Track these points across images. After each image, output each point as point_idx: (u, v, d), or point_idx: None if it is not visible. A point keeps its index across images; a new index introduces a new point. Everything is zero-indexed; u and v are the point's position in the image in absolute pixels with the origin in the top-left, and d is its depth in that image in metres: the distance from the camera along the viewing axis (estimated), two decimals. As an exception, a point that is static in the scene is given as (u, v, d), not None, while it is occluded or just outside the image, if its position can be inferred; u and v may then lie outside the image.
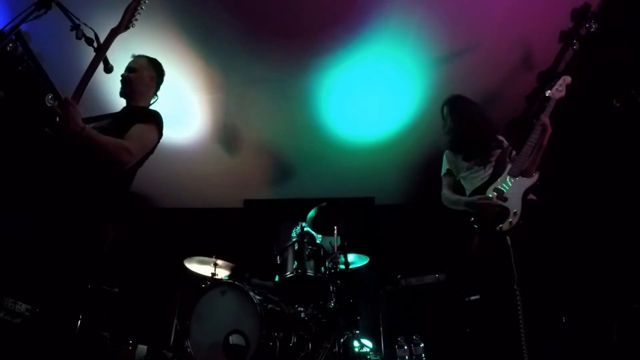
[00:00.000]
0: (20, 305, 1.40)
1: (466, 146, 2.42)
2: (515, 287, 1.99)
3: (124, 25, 1.90)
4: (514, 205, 2.07)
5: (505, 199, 2.09)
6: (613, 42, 2.76)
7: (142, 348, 3.05)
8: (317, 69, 3.42)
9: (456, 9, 2.95)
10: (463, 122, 2.43)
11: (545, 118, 2.17)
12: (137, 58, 2.12)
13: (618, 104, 2.56)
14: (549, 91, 2.31)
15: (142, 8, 1.96)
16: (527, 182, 2.12)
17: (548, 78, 3.27)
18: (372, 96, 3.69)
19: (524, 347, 1.91)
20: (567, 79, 2.34)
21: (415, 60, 3.35)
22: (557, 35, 2.97)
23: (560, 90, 2.29)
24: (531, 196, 2.16)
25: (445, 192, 2.47)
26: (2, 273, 1.44)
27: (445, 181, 2.52)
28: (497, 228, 2.06)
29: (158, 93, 2.19)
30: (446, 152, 2.57)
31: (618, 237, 2.57)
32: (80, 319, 2.33)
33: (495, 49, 3.21)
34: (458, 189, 2.48)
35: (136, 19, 1.95)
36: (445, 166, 2.55)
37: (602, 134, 2.88)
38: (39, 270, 1.50)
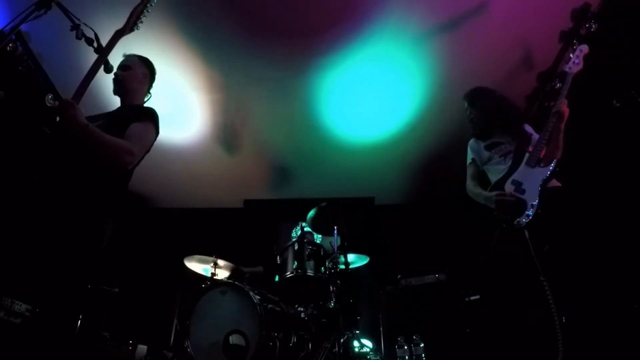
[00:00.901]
0: (20, 305, 1.40)
1: (490, 131, 2.42)
2: (541, 277, 1.97)
3: (129, 27, 1.93)
4: (532, 197, 2.06)
5: (523, 191, 2.08)
6: (613, 42, 2.76)
7: (142, 348, 3.05)
8: (317, 69, 3.42)
9: (456, 9, 2.95)
10: (487, 108, 2.44)
11: (561, 104, 2.12)
12: (129, 56, 2.14)
13: (618, 104, 2.56)
14: (567, 65, 2.23)
15: (147, 11, 1.98)
16: (544, 171, 2.10)
17: (548, 78, 3.27)
18: (372, 96, 3.69)
19: (559, 337, 1.88)
20: (584, 48, 2.24)
21: (414, 60, 3.35)
22: (557, 35, 2.96)
23: (578, 63, 2.20)
24: (555, 183, 2.15)
25: (469, 183, 2.46)
26: (2, 273, 1.44)
27: (469, 171, 2.51)
28: (515, 222, 2.05)
29: (157, 92, 2.21)
30: (470, 141, 2.57)
31: (616, 238, 2.57)
32: (80, 319, 2.34)
33: (495, 49, 3.21)
34: (484, 178, 2.47)
35: (141, 22, 1.98)
36: (469, 155, 2.54)
37: (602, 134, 2.88)
38: (39, 270, 1.50)
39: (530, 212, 2.03)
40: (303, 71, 3.44)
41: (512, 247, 2.12)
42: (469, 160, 2.54)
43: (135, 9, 1.96)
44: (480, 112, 2.48)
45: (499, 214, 2.13)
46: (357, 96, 3.69)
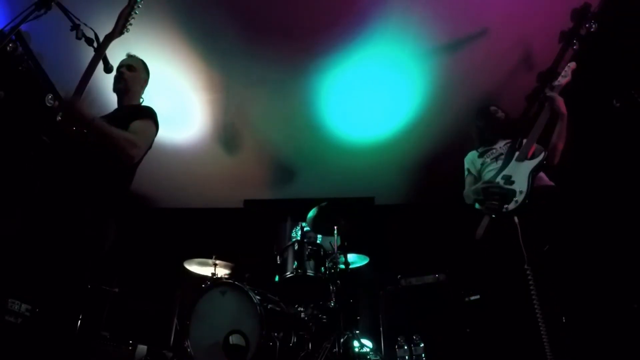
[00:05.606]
0: (21, 305, 1.40)
1: (486, 141, 2.55)
2: (525, 266, 1.98)
3: (118, 31, 1.95)
4: (520, 185, 2.10)
5: (512, 182, 2.14)
6: (613, 42, 2.76)
7: (142, 348, 3.05)
8: (317, 69, 3.42)
9: (456, 9, 2.95)
10: (486, 121, 2.59)
11: (551, 92, 2.26)
12: (134, 58, 2.17)
13: (618, 104, 2.56)
14: (556, 80, 2.37)
15: (135, 13, 2.00)
16: (532, 162, 2.17)
17: (548, 78, 3.27)
18: (372, 96, 3.69)
19: (542, 329, 1.88)
20: (572, 64, 2.39)
21: (414, 60, 3.34)
22: (557, 35, 2.96)
23: (566, 76, 2.34)
24: (546, 180, 2.22)
25: (466, 190, 2.52)
26: (3, 274, 1.44)
27: (467, 181, 2.60)
28: (504, 209, 2.08)
29: (157, 92, 2.26)
30: (467, 155, 2.66)
31: (617, 238, 2.56)
32: (80, 319, 2.33)
33: (495, 49, 3.21)
34: None
35: (130, 24, 1.99)
36: (465, 167, 2.63)
37: (601, 134, 2.87)
38: (39, 271, 1.50)
39: (518, 199, 2.07)
40: (303, 71, 3.44)
41: (501, 233, 2.13)
42: (465, 173, 2.62)
43: (122, 12, 1.98)
44: (476, 128, 2.64)
45: (487, 202, 2.17)
46: (357, 96, 3.69)
